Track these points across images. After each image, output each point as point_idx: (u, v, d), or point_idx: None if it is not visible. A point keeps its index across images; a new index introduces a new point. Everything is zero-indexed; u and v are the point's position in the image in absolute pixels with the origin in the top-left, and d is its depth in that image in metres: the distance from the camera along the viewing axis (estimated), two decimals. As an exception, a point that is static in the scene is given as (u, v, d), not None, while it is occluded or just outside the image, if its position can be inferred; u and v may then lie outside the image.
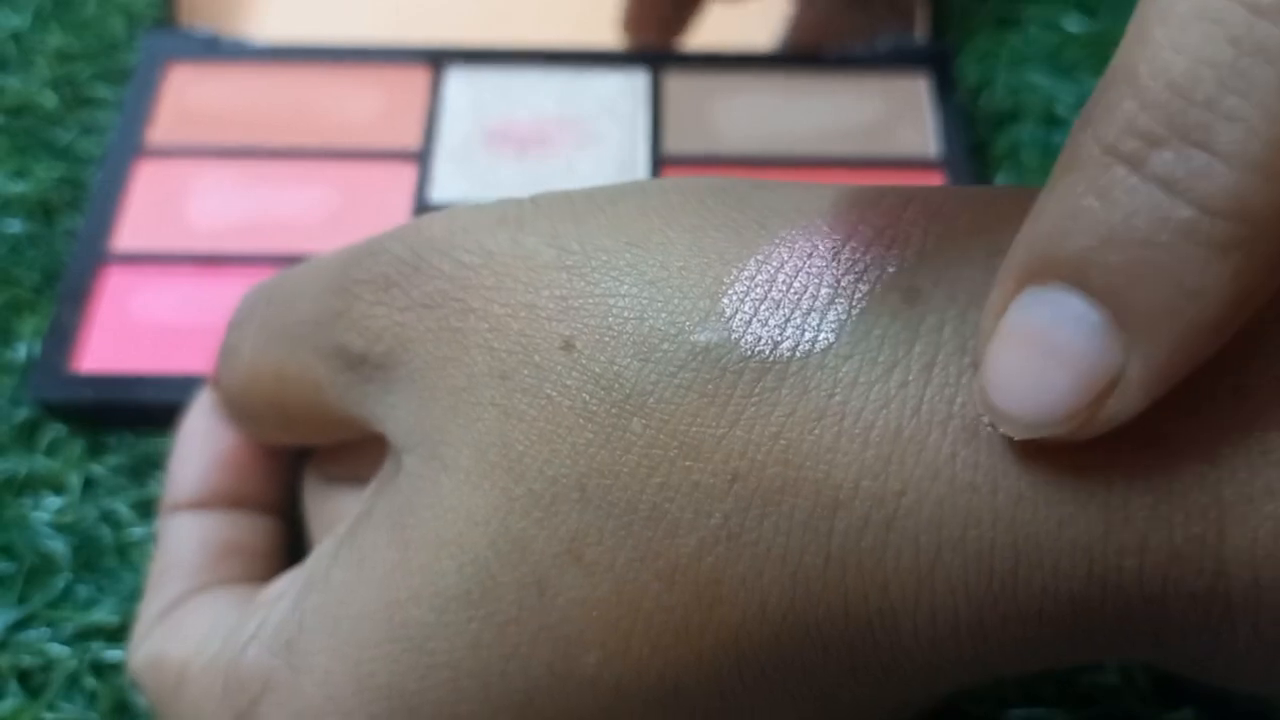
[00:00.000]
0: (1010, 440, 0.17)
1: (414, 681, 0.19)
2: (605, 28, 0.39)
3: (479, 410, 0.19)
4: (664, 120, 0.37)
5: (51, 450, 0.31)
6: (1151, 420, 0.16)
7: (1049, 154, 0.37)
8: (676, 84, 0.37)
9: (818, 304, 0.18)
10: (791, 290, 0.18)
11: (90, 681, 0.27)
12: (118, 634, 0.28)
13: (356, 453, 0.23)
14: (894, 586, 0.17)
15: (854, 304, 0.18)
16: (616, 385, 0.18)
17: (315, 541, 0.24)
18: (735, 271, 0.18)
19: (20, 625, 0.28)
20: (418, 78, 0.38)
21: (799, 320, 0.18)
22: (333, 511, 0.24)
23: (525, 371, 0.19)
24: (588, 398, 0.18)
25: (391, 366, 0.20)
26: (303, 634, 0.20)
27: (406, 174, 0.35)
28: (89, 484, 0.30)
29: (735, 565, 0.17)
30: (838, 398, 0.17)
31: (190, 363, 0.31)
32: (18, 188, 0.35)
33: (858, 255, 0.18)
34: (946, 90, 0.37)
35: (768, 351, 0.18)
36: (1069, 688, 0.27)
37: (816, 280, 0.18)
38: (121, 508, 0.30)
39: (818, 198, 0.19)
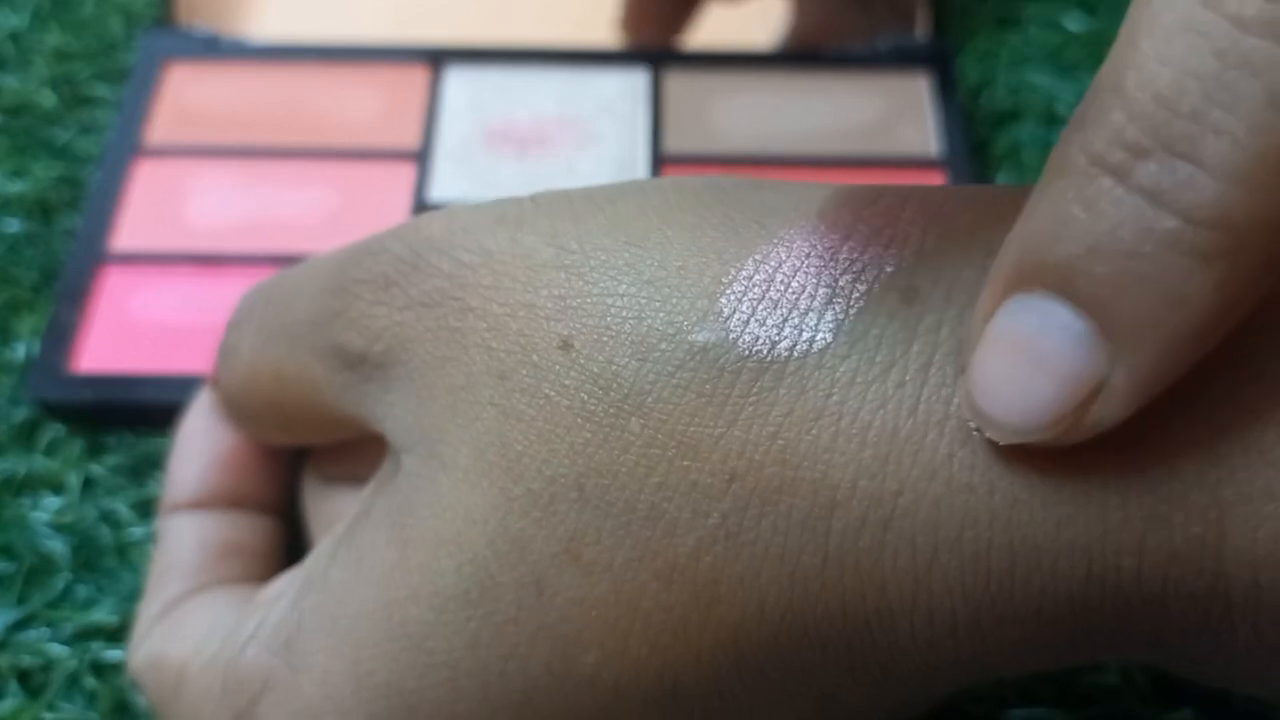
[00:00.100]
0: None
1: (412, 680, 0.19)
2: (605, 27, 0.39)
3: (477, 409, 0.19)
4: (664, 120, 0.36)
5: (51, 450, 0.31)
6: (1150, 421, 0.16)
7: (1049, 153, 0.37)
8: (676, 84, 0.37)
9: (815, 304, 0.18)
10: (789, 290, 0.18)
11: (90, 681, 0.27)
12: (117, 634, 0.28)
13: (355, 453, 0.23)
14: (891, 586, 0.17)
15: (852, 304, 0.18)
16: (614, 385, 0.18)
17: (314, 541, 0.24)
18: (733, 271, 0.18)
19: (20, 625, 0.28)
20: (417, 77, 0.38)
21: (797, 320, 0.18)
22: (331, 511, 0.24)
23: (523, 371, 0.19)
24: (586, 397, 0.18)
25: (390, 366, 0.20)
26: (301, 633, 0.20)
27: (406, 174, 0.35)
28: (88, 484, 0.30)
29: (733, 565, 0.17)
30: (835, 398, 0.17)
31: (189, 363, 0.31)
32: (16, 187, 0.35)
33: (855, 255, 0.18)
34: (947, 90, 0.37)
35: (765, 351, 0.18)
36: (1069, 688, 0.27)
37: (814, 280, 0.18)
38: (121, 508, 0.30)
39: (816, 197, 0.19)
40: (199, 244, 0.34)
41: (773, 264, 0.18)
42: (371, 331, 0.20)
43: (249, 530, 0.25)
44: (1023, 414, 0.16)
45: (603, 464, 0.18)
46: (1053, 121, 0.38)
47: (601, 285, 0.19)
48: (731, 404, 0.18)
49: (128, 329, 0.32)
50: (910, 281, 0.18)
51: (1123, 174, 0.15)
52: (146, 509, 0.30)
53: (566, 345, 0.18)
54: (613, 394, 0.18)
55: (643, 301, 0.18)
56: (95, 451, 0.31)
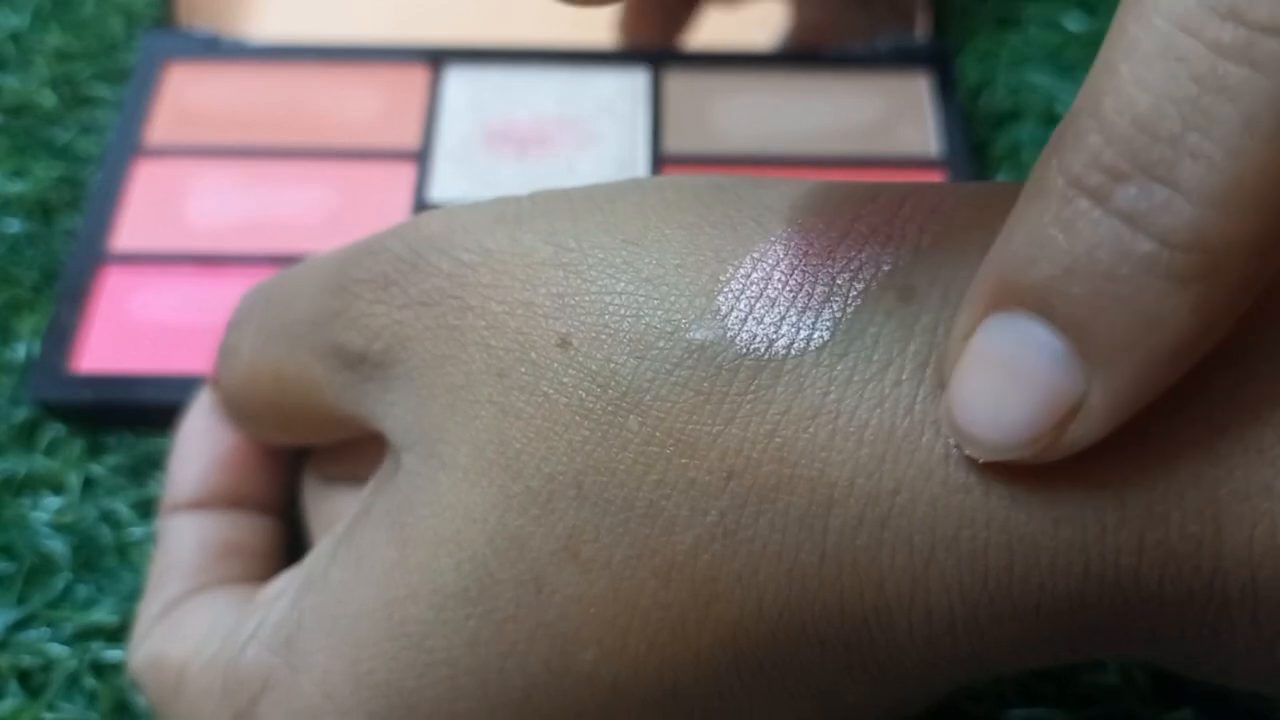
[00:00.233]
0: None
1: (412, 679, 0.19)
2: (605, 27, 0.39)
3: (476, 408, 0.19)
4: (664, 120, 0.37)
5: (51, 450, 0.31)
6: (1147, 419, 0.16)
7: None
8: (676, 84, 0.37)
9: (813, 302, 0.18)
10: (787, 288, 0.18)
11: (90, 681, 0.27)
12: (117, 634, 0.28)
13: (355, 452, 0.23)
14: (889, 584, 0.17)
15: (849, 302, 0.18)
16: (613, 383, 0.18)
17: (314, 541, 0.24)
18: (731, 269, 0.18)
19: (20, 625, 0.28)
20: (417, 77, 0.38)
21: (794, 318, 0.18)
22: (331, 511, 0.24)
23: (522, 369, 0.19)
24: (584, 395, 0.18)
25: (390, 365, 0.20)
26: (301, 632, 0.20)
27: (406, 174, 0.35)
28: (89, 484, 0.30)
29: (731, 562, 0.17)
30: (832, 396, 0.17)
31: (189, 363, 0.31)
32: (16, 187, 0.35)
33: (853, 253, 0.18)
34: (947, 90, 0.37)
35: (763, 349, 0.18)
36: (1069, 688, 0.27)
37: (812, 278, 0.18)
38: (121, 508, 0.30)
39: (814, 195, 0.19)
40: (199, 244, 0.34)
41: (770, 262, 0.18)
42: (371, 330, 0.20)
43: (249, 530, 0.25)
44: (1001, 432, 0.16)
45: (601, 461, 0.18)
46: (1052, 121, 0.38)
47: (600, 283, 0.19)
48: (729, 402, 0.18)
49: (128, 329, 0.32)
50: (907, 280, 0.18)
51: (1101, 196, 0.15)
52: (146, 509, 0.30)
53: (565, 343, 0.18)
54: (611, 392, 0.18)
55: (641, 299, 0.18)
56: (95, 451, 0.31)
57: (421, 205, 0.35)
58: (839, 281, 0.18)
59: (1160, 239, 0.14)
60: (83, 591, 0.28)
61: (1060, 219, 0.15)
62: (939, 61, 0.38)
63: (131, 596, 0.28)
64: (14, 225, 0.35)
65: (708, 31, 0.40)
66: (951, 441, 0.17)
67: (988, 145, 0.37)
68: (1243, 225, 0.14)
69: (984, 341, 0.16)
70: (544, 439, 0.18)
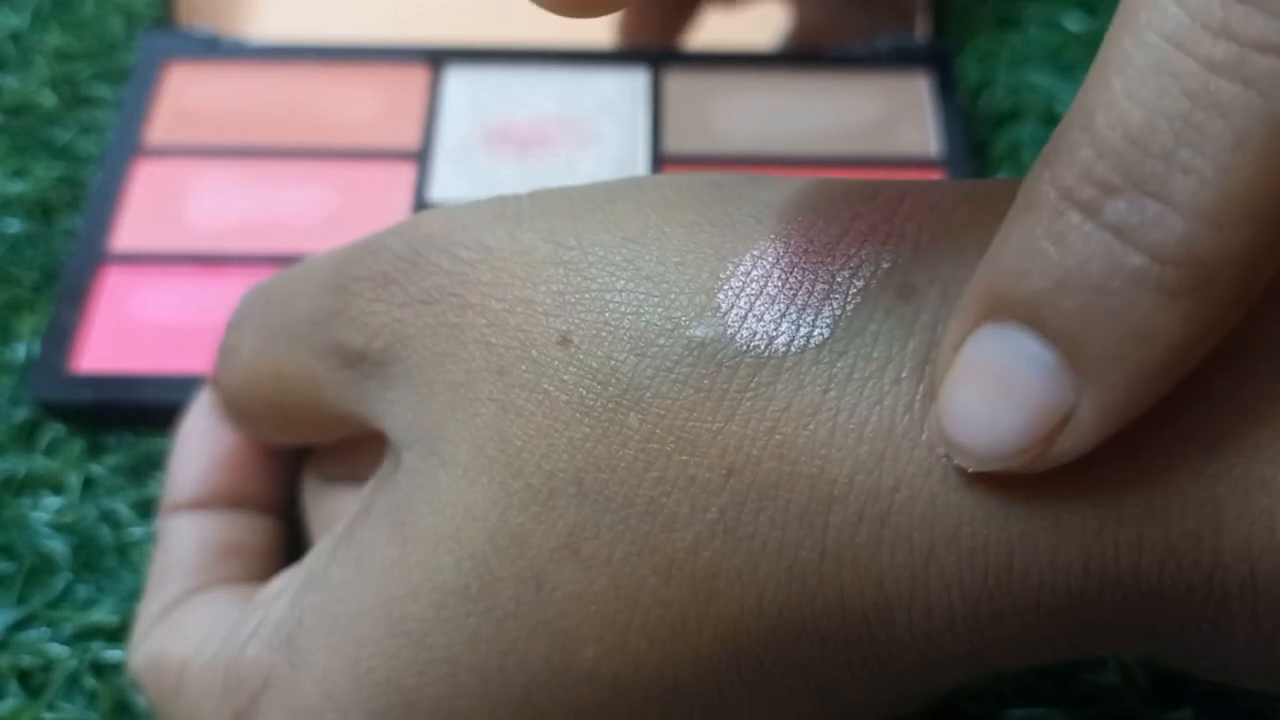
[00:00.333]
0: None
1: (412, 677, 0.19)
2: (605, 27, 0.39)
3: (477, 405, 0.19)
4: (664, 120, 0.37)
5: (51, 450, 0.31)
6: (1147, 417, 0.16)
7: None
8: (676, 83, 0.37)
9: (813, 300, 0.18)
10: (787, 285, 0.18)
11: (90, 681, 0.27)
12: (118, 634, 0.28)
13: (355, 452, 0.23)
14: (889, 582, 0.17)
15: (849, 300, 0.18)
16: (613, 380, 0.18)
17: (314, 541, 0.24)
18: (731, 267, 0.18)
19: (20, 625, 0.28)
20: (417, 77, 0.38)
21: (794, 315, 0.18)
22: (331, 511, 0.24)
23: (522, 367, 0.19)
24: (584, 392, 0.18)
25: (390, 363, 0.20)
26: (302, 631, 0.20)
27: (406, 174, 0.35)
28: (89, 484, 0.30)
29: (732, 559, 0.17)
30: (832, 393, 0.17)
31: (189, 363, 0.31)
32: (16, 187, 0.35)
33: (852, 251, 0.18)
34: (947, 90, 0.37)
35: (763, 347, 0.18)
36: (1069, 687, 0.27)
37: (811, 276, 0.18)
38: (121, 508, 0.30)
39: (814, 193, 0.19)
40: (199, 244, 0.34)
41: (770, 259, 0.18)
42: (371, 329, 0.20)
43: (249, 530, 0.25)
44: (991, 443, 0.16)
45: (601, 459, 0.18)
46: (1052, 122, 0.38)
47: (600, 281, 0.19)
48: (729, 399, 0.18)
49: (128, 329, 0.32)
50: (907, 278, 0.18)
51: (1092, 210, 0.15)
52: (146, 509, 0.30)
53: (565, 341, 0.18)
54: (611, 389, 0.18)
55: (641, 297, 0.18)
56: (95, 451, 0.31)
57: (421, 205, 0.35)
58: (838, 279, 0.18)
59: (1151, 253, 0.14)
60: (83, 591, 0.28)
61: (1052, 231, 0.15)
62: (939, 61, 0.38)
63: (131, 596, 0.28)
64: (14, 225, 0.35)
65: (708, 31, 0.40)
66: (941, 451, 0.17)
67: (988, 145, 0.37)
68: (1233, 240, 0.14)
69: (974, 352, 0.16)
70: (544, 436, 0.18)
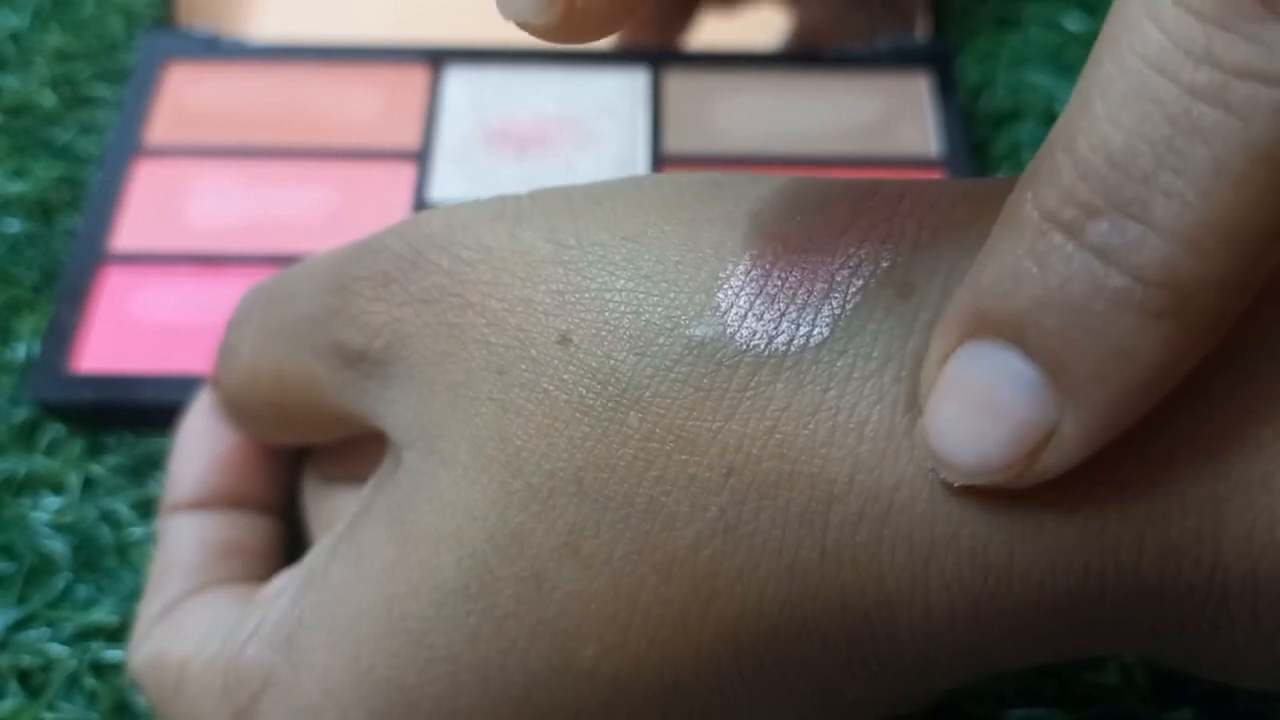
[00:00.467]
0: None
1: (413, 676, 0.19)
2: (605, 27, 0.39)
3: (476, 405, 0.19)
4: (664, 120, 0.37)
5: (51, 450, 0.31)
6: (1146, 419, 0.16)
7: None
8: (676, 83, 0.37)
9: (812, 298, 0.18)
10: (786, 285, 0.18)
11: (90, 681, 0.27)
12: (118, 634, 0.28)
13: (355, 452, 0.23)
14: (889, 581, 0.17)
15: (848, 299, 0.18)
16: (613, 379, 0.18)
17: (314, 541, 0.24)
18: (730, 266, 0.18)
19: (20, 625, 0.28)
20: (417, 77, 0.38)
21: (794, 315, 0.18)
22: (332, 510, 0.24)
23: (522, 366, 0.19)
24: (584, 392, 0.18)
25: (390, 362, 0.20)
26: (302, 630, 0.20)
27: (406, 174, 0.35)
28: (89, 484, 0.30)
29: (732, 558, 0.17)
30: (832, 392, 0.17)
31: (189, 363, 0.31)
32: (16, 187, 0.35)
33: (852, 249, 0.18)
34: (947, 90, 0.37)
35: (763, 346, 0.18)
36: (1069, 687, 0.27)
37: (811, 275, 0.18)
38: (121, 508, 0.30)
39: (813, 191, 0.19)
40: (199, 244, 0.34)
41: (769, 258, 0.18)
42: (371, 328, 0.20)
43: (249, 530, 0.25)
44: (975, 458, 0.16)
45: (601, 458, 0.18)
46: (1052, 122, 0.37)
47: (599, 280, 0.19)
48: (729, 398, 0.18)
49: (128, 329, 0.32)
50: (906, 276, 0.18)
51: (1074, 231, 0.15)
52: (146, 509, 0.30)
53: (565, 340, 0.18)
54: (611, 388, 0.18)
55: (640, 296, 0.18)
56: (95, 451, 0.31)
57: (421, 205, 0.35)
58: (838, 278, 0.18)
59: (1133, 275, 0.15)
60: (83, 591, 0.28)
61: (1034, 251, 0.15)
62: (939, 61, 0.38)
63: (131, 596, 0.28)
64: (14, 225, 0.35)
65: (708, 31, 0.40)
66: (928, 465, 0.17)
67: (988, 145, 0.37)
68: (1214, 264, 0.14)
69: (958, 369, 0.16)
70: (544, 435, 0.18)
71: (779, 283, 0.18)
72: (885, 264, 0.18)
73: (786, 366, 0.18)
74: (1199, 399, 0.16)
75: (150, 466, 0.30)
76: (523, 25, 0.16)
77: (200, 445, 0.26)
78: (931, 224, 0.18)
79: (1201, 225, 0.14)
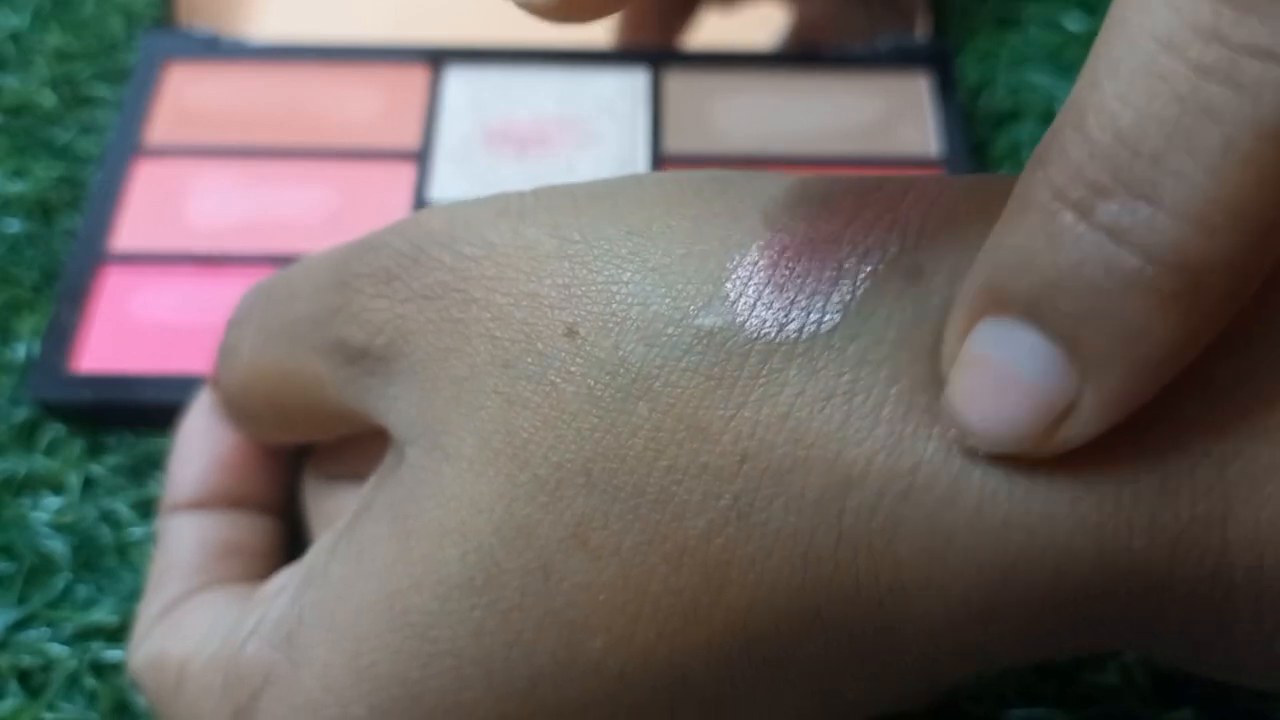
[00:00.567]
0: None
1: (416, 671, 0.19)
2: (605, 27, 0.39)
3: (482, 399, 0.19)
4: (664, 120, 0.37)
5: (51, 450, 0.31)
6: (1159, 397, 0.16)
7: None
8: (676, 83, 0.37)
9: (822, 286, 0.18)
10: (795, 274, 0.18)
11: (90, 681, 0.27)
12: (118, 634, 0.28)
13: (356, 450, 0.23)
14: (906, 565, 0.17)
15: (858, 285, 0.18)
16: (622, 370, 0.18)
17: (315, 540, 0.24)
18: (738, 257, 0.18)
19: (20, 625, 0.28)
20: (417, 77, 0.38)
21: (804, 302, 0.18)
22: (332, 509, 0.24)
23: (529, 359, 0.19)
24: (592, 383, 0.18)
25: (392, 359, 0.20)
26: (302, 627, 0.20)
27: (406, 174, 0.35)
28: (89, 484, 0.30)
29: (745, 546, 0.17)
30: (846, 377, 0.17)
31: (190, 363, 0.31)
32: (16, 187, 0.35)
33: (859, 238, 0.18)
34: (947, 90, 0.37)
35: (774, 334, 0.18)
36: (1069, 687, 0.27)
37: (819, 264, 0.18)
38: (121, 508, 0.30)
39: (817, 186, 0.19)
40: (199, 244, 0.34)
41: (776, 249, 0.18)
42: (373, 325, 0.20)
43: (249, 530, 0.25)
44: (999, 429, 0.16)
45: (610, 449, 0.18)
46: (1052, 122, 0.38)
47: (606, 273, 0.19)
48: (741, 386, 0.18)
49: (128, 329, 0.32)
50: (915, 262, 0.18)
51: (1085, 210, 0.15)
52: (146, 509, 0.30)
53: (572, 333, 0.18)
54: (620, 379, 0.18)
55: (648, 288, 0.18)
56: (95, 451, 0.31)
57: (421, 205, 0.35)
58: (846, 265, 0.18)
59: (1144, 255, 0.15)
60: (83, 591, 0.28)
61: (1046, 231, 0.15)
62: (939, 61, 0.38)
63: (131, 596, 0.28)
64: (14, 225, 0.35)
65: (708, 31, 0.40)
66: (952, 434, 0.17)
67: (988, 145, 0.37)
68: (1224, 243, 0.14)
69: (978, 344, 0.16)
70: (551, 428, 0.18)
71: (787, 272, 0.18)
72: (893, 250, 0.18)
73: (798, 353, 0.18)
74: (1210, 380, 0.17)
75: (150, 466, 0.30)
76: (524, 6, 0.16)
77: (200, 445, 0.26)
78: (936, 214, 0.18)
79: (1210, 205, 0.14)
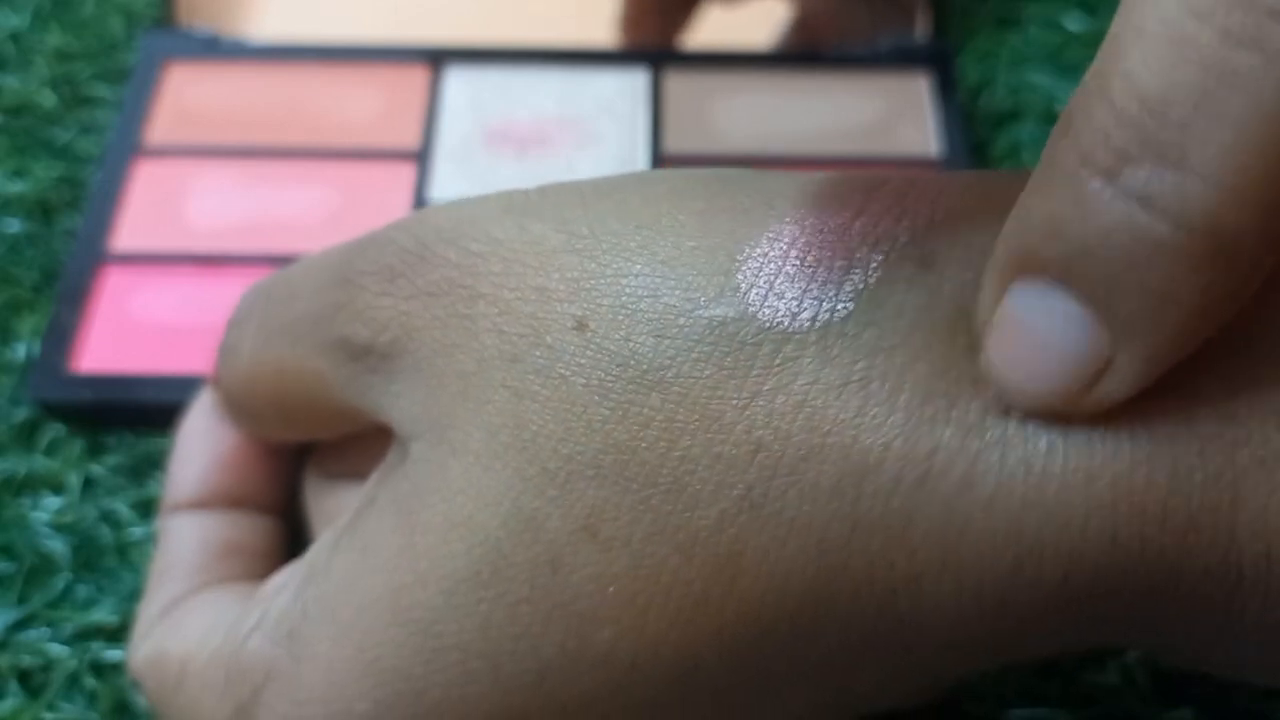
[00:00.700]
0: None
1: (420, 665, 0.19)
2: (605, 27, 0.39)
3: (489, 393, 0.19)
4: (664, 119, 0.37)
5: (51, 450, 0.31)
6: (1170, 380, 0.16)
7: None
8: (676, 83, 0.37)
9: (833, 275, 0.18)
10: (805, 263, 0.18)
11: (90, 681, 0.27)
12: (118, 634, 0.28)
13: (357, 448, 0.23)
14: (921, 551, 0.17)
15: (870, 273, 0.18)
16: (632, 362, 0.18)
17: (316, 538, 0.24)
18: (748, 249, 0.18)
19: (20, 625, 0.28)
20: (417, 77, 0.38)
21: (816, 291, 0.18)
22: (334, 507, 0.24)
23: (537, 353, 0.19)
24: (603, 375, 0.18)
25: (397, 355, 0.20)
26: (305, 623, 0.20)
27: (406, 174, 0.35)
28: (89, 484, 0.30)
29: (758, 536, 0.17)
30: (861, 364, 0.17)
31: (190, 363, 0.31)
32: (16, 187, 0.35)
33: (868, 229, 0.18)
34: (947, 90, 0.37)
35: (786, 323, 0.18)
36: (1070, 687, 0.27)
37: (830, 253, 0.18)
38: (121, 508, 0.30)
39: (823, 181, 0.19)
40: (199, 244, 0.34)
41: (786, 240, 0.18)
42: (378, 322, 0.20)
43: (250, 530, 0.25)
44: (1035, 389, 0.16)
45: (621, 440, 0.18)
46: (1052, 121, 0.37)
47: (615, 266, 0.19)
48: (754, 375, 0.18)
49: (128, 329, 0.32)
50: (925, 250, 0.18)
51: (1112, 176, 0.15)
52: (147, 509, 0.29)
53: (581, 326, 0.18)
54: (630, 371, 0.18)
55: (658, 280, 0.18)
56: (95, 451, 0.31)
57: (421, 205, 0.35)
58: (858, 255, 0.18)
59: (1173, 222, 0.15)
60: (83, 591, 0.28)
61: (1074, 197, 0.15)
62: (939, 61, 0.38)
63: (131, 596, 0.28)
64: (14, 225, 0.35)
65: (708, 31, 0.40)
66: (993, 394, 0.17)
67: (988, 145, 0.37)
68: (1252, 210, 0.14)
69: (1011, 307, 0.17)
70: (561, 420, 0.18)
71: (798, 262, 0.18)
72: (903, 240, 0.18)
73: (811, 342, 0.18)
74: (1221, 364, 0.17)
75: (150, 466, 0.30)
76: None
77: (201, 445, 0.26)
78: (943, 206, 0.19)
79: (1238, 173, 0.14)
